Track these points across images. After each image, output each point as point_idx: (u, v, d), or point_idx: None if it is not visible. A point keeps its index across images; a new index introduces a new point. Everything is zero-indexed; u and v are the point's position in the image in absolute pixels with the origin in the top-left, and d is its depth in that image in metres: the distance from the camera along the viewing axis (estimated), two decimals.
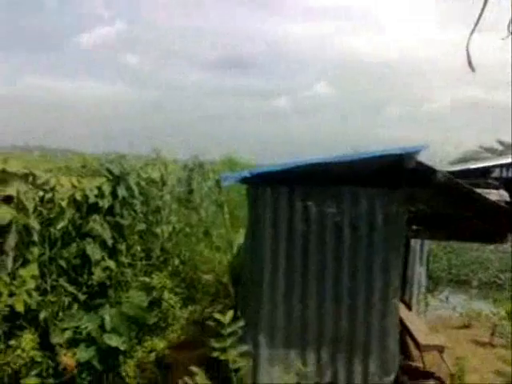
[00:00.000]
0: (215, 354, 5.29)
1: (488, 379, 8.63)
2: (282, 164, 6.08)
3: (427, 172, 5.92)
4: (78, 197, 7.83)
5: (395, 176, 6.05)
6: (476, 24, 1.89)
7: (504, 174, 37.41)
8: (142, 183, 9.49)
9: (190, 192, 11.92)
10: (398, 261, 6.28)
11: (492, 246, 21.62)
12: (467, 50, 1.93)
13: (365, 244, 6.21)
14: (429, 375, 7.66)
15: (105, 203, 8.14)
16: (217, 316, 5.41)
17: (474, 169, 33.02)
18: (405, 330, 8.83)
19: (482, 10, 1.86)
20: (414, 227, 9.25)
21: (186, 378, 5.22)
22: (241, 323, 5.36)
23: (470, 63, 1.94)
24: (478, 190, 6.52)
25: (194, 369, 5.26)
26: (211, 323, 5.42)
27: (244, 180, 6.23)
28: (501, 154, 45.67)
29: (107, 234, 8.14)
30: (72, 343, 7.44)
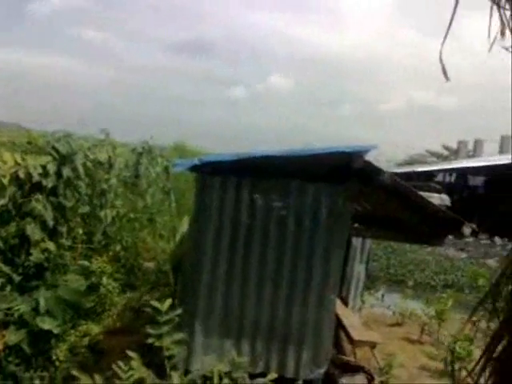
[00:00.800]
0: (150, 341, 5.31)
1: (413, 374, 9.01)
2: (233, 154, 6.10)
3: (374, 172, 6.04)
4: (21, 174, 7.62)
5: (343, 174, 6.17)
6: (447, 33, 1.91)
7: (447, 179, 38.82)
8: (89, 164, 9.29)
9: (137, 177, 11.79)
10: (340, 256, 6.41)
11: (430, 249, 22.41)
12: (441, 60, 1.96)
13: (307, 238, 6.30)
14: (359, 369, 7.88)
15: (48, 183, 7.93)
16: (154, 303, 5.43)
17: (420, 172, 34.09)
18: (339, 325, 9.05)
19: (452, 17, 1.90)
20: (357, 225, 9.47)
21: (119, 363, 5.20)
22: (178, 311, 5.39)
23: (444, 73, 1.98)
24: (422, 194, 6.73)
25: (130, 353, 5.26)
26: (148, 310, 5.43)
27: (193, 168, 6.22)
28: (445, 159, 47.24)
29: (49, 215, 7.94)
30: (2, 325, 7.26)
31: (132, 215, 11.06)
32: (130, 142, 13.72)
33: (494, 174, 32.62)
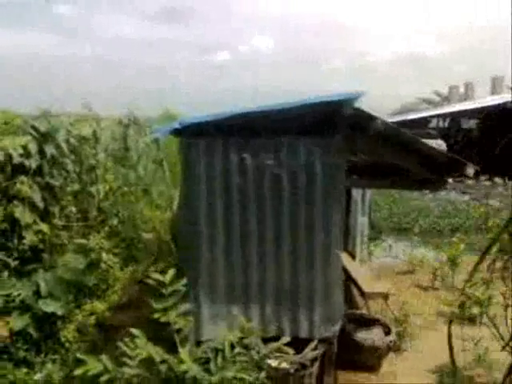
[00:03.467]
0: (156, 316, 5.08)
1: (430, 320, 8.88)
2: (216, 114, 5.76)
3: (366, 119, 5.77)
4: (0, 157, 7.28)
5: (334, 124, 5.87)
6: None
7: (441, 124, 38.54)
8: (73, 141, 8.92)
9: (126, 149, 11.42)
10: (340, 209, 6.16)
11: (431, 195, 22.24)
12: None
13: (304, 195, 6.04)
14: (374, 322, 7.72)
15: (32, 163, 7.60)
16: (156, 276, 5.16)
17: (413, 119, 33.79)
18: (349, 279, 8.87)
19: None
20: (355, 177, 9.19)
21: (126, 340, 4.97)
22: (182, 281, 5.14)
23: None
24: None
25: (134, 330, 5.03)
26: (152, 282, 5.17)
27: (176, 132, 5.88)
28: (437, 104, 46.84)
29: (37, 196, 7.64)
30: (4, 312, 7.05)
31: (126, 188, 10.74)
32: (115, 115, 13.28)
33: (487, 115, 32.37)
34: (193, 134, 5.93)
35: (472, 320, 8.30)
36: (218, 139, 5.97)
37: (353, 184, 9.53)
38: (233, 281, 6.16)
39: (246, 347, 5.11)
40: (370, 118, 5.73)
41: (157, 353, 4.77)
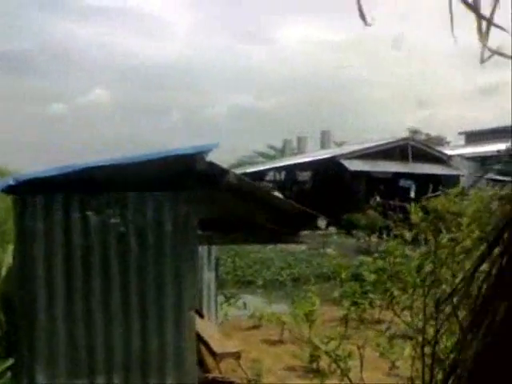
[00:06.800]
0: None
1: (282, 376, 8.74)
2: (56, 168, 5.23)
3: (219, 173, 5.60)
4: None
5: (185, 178, 5.62)
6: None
7: (277, 177, 40.33)
8: None
9: None
10: (192, 269, 5.86)
11: (271, 246, 22.77)
12: None
13: (154, 253, 5.66)
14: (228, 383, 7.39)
15: None
16: None
17: (250, 172, 34.85)
18: (199, 339, 8.48)
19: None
20: (204, 232, 8.96)
21: None
22: (8, 363, 4.41)
23: None
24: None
25: None
26: None
27: (10, 189, 5.23)
28: (272, 158, 49.17)
29: None
30: None
31: None
32: None
33: (317, 168, 34.64)
34: (29, 191, 5.30)
35: (324, 373, 8.31)
36: (57, 196, 5.40)
37: (203, 241, 9.28)
38: (76, 353, 5.52)
39: None
40: (223, 172, 5.57)
41: None
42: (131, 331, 5.66)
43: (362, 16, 1.27)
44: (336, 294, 10.67)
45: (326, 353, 6.82)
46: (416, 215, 4.74)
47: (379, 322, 10.20)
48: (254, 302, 13.65)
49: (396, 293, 4.92)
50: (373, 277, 6.88)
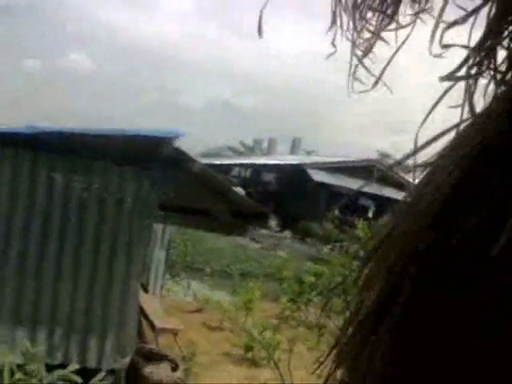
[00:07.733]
0: None
1: (216, 360, 9.16)
2: (28, 127, 5.48)
3: (185, 159, 5.94)
4: None
5: (150, 159, 5.95)
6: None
7: (242, 174, 40.57)
8: None
9: None
10: (144, 243, 6.21)
11: (224, 238, 23.08)
12: None
13: (111, 222, 5.98)
14: (163, 357, 7.74)
15: None
16: None
17: (217, 164, 35.10)
18: (141, 312, 8.81)
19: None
20: (162, 212, 9.31)
21: None
22: None
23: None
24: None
25: None
26: None
27: None
28: (241, 154, 49.46)
29: None
30: None
31: None
32: None
33: (285, 172, 35.07)
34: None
35: (257, 363, 8.76)
36: (26, 152, 5.67)
37: (159, 220, 9.62)
38: (21, 305, 5.79)
39: (28, 374, 4.83)
40: (188, 159, 5.91)
41: None
42: (78, 291, 5.94)
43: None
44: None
45: (259, 341, 7.26)
46: (362, 231, 5.21)
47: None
48: (199, 287, 14.00)
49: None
50: (312, 279, 7.39)
